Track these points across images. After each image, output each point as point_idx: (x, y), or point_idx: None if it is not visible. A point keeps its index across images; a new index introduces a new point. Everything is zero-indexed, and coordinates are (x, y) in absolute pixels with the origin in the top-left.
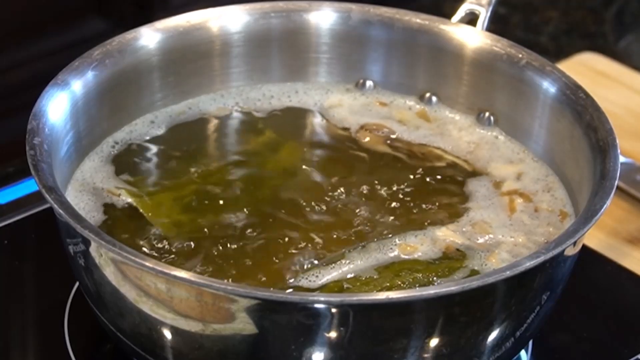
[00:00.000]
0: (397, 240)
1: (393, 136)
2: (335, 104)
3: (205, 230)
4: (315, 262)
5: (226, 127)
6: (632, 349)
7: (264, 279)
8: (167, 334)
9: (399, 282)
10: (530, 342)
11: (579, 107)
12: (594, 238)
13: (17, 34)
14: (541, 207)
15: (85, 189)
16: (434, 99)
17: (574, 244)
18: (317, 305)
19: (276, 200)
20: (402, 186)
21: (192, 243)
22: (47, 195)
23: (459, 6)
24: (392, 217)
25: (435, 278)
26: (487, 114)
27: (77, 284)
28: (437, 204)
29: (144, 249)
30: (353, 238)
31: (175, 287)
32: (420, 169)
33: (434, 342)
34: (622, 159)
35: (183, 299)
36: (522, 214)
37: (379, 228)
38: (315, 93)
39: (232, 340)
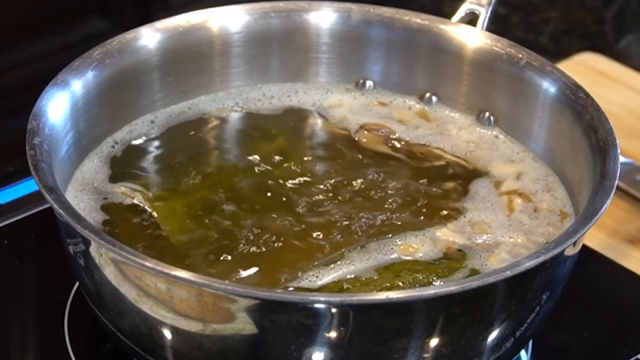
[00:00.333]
0: (396, 240)
1: (393, 136)
2: (335, 104)
3: (211, 232)
4: (315, 262)
5: (226, 127)
6: (632, 349)
7: (263, 279)
8: (167, 334)
9: (399, 283)
10: (530, 342)
11: (579, 107)
12: (594, 238)
13: (17, 34)
14: (541, 207)
15: (85, 189)
16: (434, 99)
17: (574, 244)
18: (317, 305)
19: (276, 200)
20: (401, 186)
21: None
22: (47, 195)
23: (459, 6)
24: (391, 217)
25: (435, 278)
26: (487, 113)
27: (77, 284)
28: (436, 204)
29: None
30: (353, 238)
31: (175, 287)
32: (420, 169)
33: (434, 342)
34: (622, 159)
35: (183, 299)
36: (521, 214)
37: (378, 228)
38: (315, 93)
39: (232, 340)
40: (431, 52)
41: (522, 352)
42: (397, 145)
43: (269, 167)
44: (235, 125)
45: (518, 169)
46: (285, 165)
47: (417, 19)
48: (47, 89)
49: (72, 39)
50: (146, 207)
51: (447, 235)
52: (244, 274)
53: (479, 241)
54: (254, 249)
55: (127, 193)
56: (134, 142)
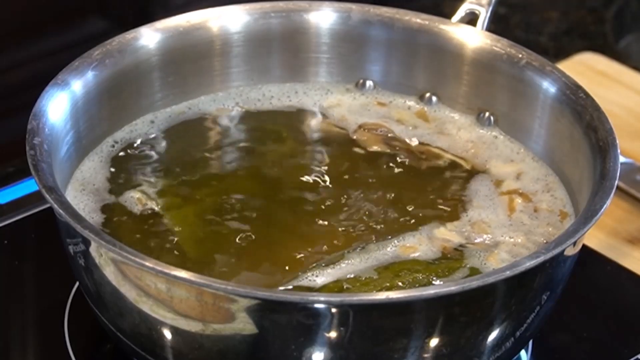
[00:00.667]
0: (396, 240)
1: (391, 135)
2: (334, 103)
3: (210, 232)
4: (315, 262)
5: (226, 127)
6: (632, 349)
7: (263, 279)
8: (167, 334)
9: (399, 283)
10: (530, 342)
11: (579, 107)
12: (594, 238)
13: (17, 34)
14: (541, 207)
15: (85, 189)
16: (434, 99)
17: (574, 244)
18: (317, 305)
19: (275, 200)
20: (401, 186)
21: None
22: (47, 195)
23: (459, 6)
24: (391, 217)
25: (435, 278)
26: (487, 114)
27: (77, 284)
28: (436, 203)
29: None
30: (353, 238)
31: (175, 287)
32: (420, 169)
33: (434, 342)
34: (622, 159)
35: (183, 299)
36: (521, 214)
37: (378, 228)
38: (315, 93)
39: (232, 340)
40: (431, 52)
41: (522, 352)
42: (396, 144)
43: (268, 168)
44: (235, 125)
45: (518, 169)
46: (284, 165)
47: (417, 19)
48: (47, 89)
49: (72, 39)
50: (146, 206)
51: (447, 235)
52: (244, 273)
53: (479, 241)
54: (253, 248)
55: (127, 193)
56: (134, 142)
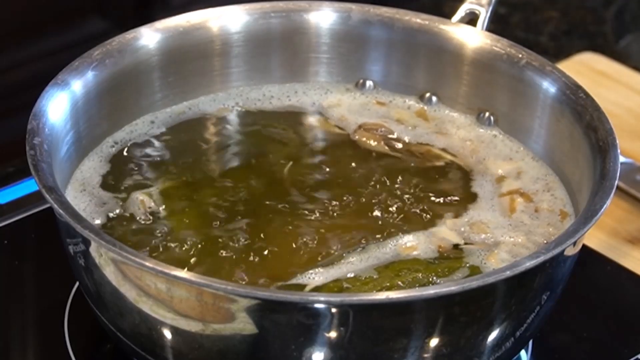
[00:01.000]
0: (396, 240)
1: (391, 135)
2: (334, 103)
3: (210, 232)
4: (315, 262)
5: (226, 127)
6: (632, 349)
7: (263, 279)
8: (167, 334)
9: (399, 282)
10: (530, 342)
11: (579, 107)
12: (594, 238)
13: (17, 34)
14: (541, 207)
15: (86, 189)
16: (434, 98)
17: (574, 244)
18: (317, 305)
19: (275, 200)
20: (400, 185)
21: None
22: (47, 195)
23: (459, 6)
24: (391, 217)
25: (435, 278)
26: (487, 113)
27: (77, 284)
28: (436, 203)
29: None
30: (352, 238)
31: (175, 287)
32: (419, 169)
33: (434, 342)
34: (622, 159)
35: (183, 299)
36: (522, 214)
37: (378, 228)
38: (314, 93)
39: (232, 340)
40: (431, 52)
41: (522, 352)
42: (396, 144)
43: (268, 167)
44: (235, 125)
45: (518, 169)
46: (284, 165)
47: (417, 19)
48: (47, 89)
49: (72, 39)
50: (146, 206)
51: (447, 234)
52: (244, 273)
53: (479, 241)
54: (253, 248)
55: (125, 193)
56: (134, 142)
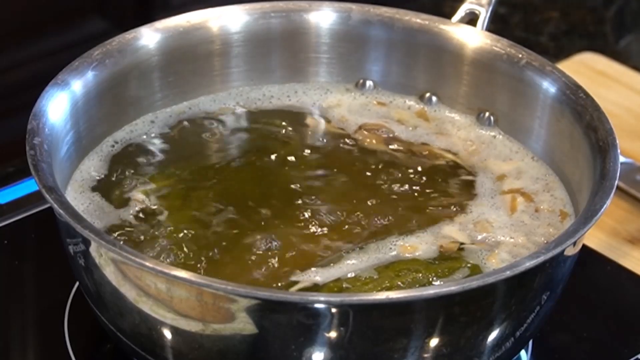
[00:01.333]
0: (396, 240)
1: (392, 136)
2: (334, 104)
3: (211, 232)
4: (315, 262)
5: (226, 127)
6: (632, 349)
7: (263, 279)
8: (167, 334)
9: (399, 282)
10: (530, 342)
11: (579, 107)
12: (594, 238)
13: (17, 34)
14: (541, 207)
15: (86, 189)
16: (434, 99)
17: (574, 244)
18: (317, 305)
19: (275, 200)
20: (401, 186)
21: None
22: (47, 195)
23: (459, 6)
24: (391, 217)
25: (435, 278)
26: (487, 114)
27: (77, 284)
28: (436, 203)
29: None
30: (352, 237)
31: (175, 287)
32: (420, 169)
33: (434, 342)
34: (622, 159)
35: (183, 299)
36: (523, 214)
37: (378, 228)
38: (314, 93)
39: (232, 340)
40: (431, 52)
41: (522, 352)
42: (397, 145)
43: (268, 167)
44: (235, 125)
45: (518, 169)
46: (285, 165)
47: (417, 19)
48: (47, 89)
49: (72, 39)
50: (146, 206)
51: (447, 234)
52: (244, 273)
53: (479, 241)
54: (253, 248)
55: (127, 193)
56: (134, 142)
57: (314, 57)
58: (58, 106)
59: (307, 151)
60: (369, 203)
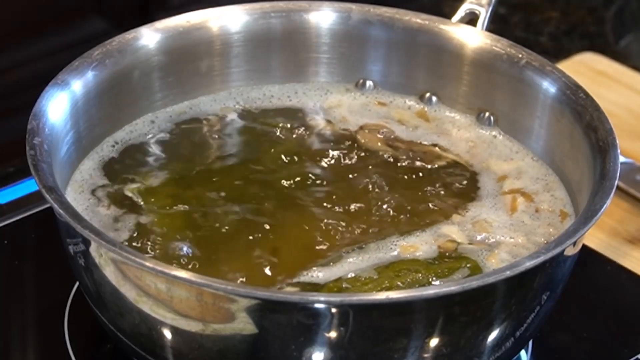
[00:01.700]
0: (396, 240)
1: (392, 136)
2: (334, 104)
3: (211, 232)
4: (315, 262)
5: (226, 127)
6: (632, 349)
7: (263, 278)
8: (167, 334)
9: (399, 282)
10: (530, 342)
11: (579, 107)
12: (594, 238)
13: (17, 34)
14: (541, 208)
15: (85, 189)
16: (434, 99)
17: (574, 244)
18: (317, 305)
19: (275, 200)
20: (401, 186)
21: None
22: (47, 195)
23: (459, 6)
24: (391, 217)
25: (435, 278)
26: (487, 113)
27: (77, 284)
28: (436, 203)
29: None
30: (353, 238)
31: (175, 287)
32: (420, 169)
33: (434, 342)
34: (622, 159)
35: (183, 299)
36: (523, 214)
37: (378, 228)
38: (315, 93)
39: (232, 340)
40: (431, 52)
41: (522, 352)
42: (397, 145)
43: (269, 168)
44: (235, 125)
45: (518, 169)
46: (285, 165)
47: (417, 19)
48: (47, 89)
49: (72, 39)
50: (146, 206)
51: (447, 234)
52: (244, 273)
53: (479, 241)
54: (253, 248)
55: (127, 193)
56: (134, 142)
57: (314, 57)
58: (58, 106)
59: (308, 151)
60: (369, 203)
